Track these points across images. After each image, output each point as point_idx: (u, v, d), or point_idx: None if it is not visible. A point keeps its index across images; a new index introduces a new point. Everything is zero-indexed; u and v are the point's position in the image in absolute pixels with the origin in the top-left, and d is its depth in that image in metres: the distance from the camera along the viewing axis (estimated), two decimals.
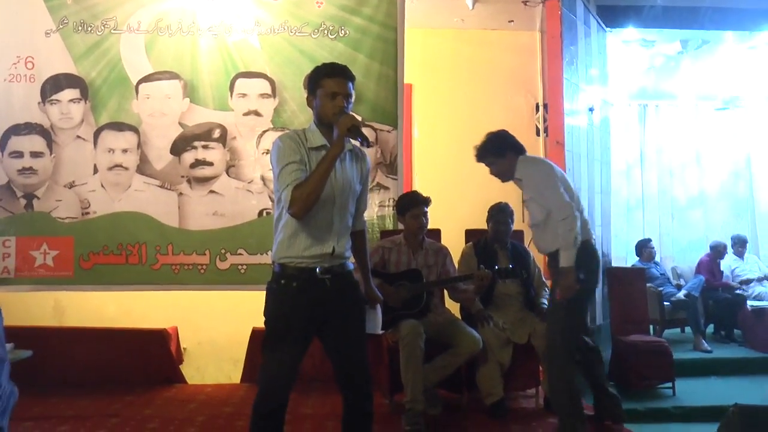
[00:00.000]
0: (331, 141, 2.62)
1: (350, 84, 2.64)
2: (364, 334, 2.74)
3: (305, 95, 4.84)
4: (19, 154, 4.87)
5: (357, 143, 2.66)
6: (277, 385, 2.60)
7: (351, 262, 2.77)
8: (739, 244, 7.77)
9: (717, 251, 7.59)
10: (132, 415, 4.20)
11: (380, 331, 3.02)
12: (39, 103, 4.90)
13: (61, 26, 4.89)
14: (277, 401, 2.59)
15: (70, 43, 4.89)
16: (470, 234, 4.85)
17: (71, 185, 4.89)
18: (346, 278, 2.70)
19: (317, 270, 2.61)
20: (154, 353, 5.06)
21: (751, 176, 8.69)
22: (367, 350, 2.73)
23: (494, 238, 4.49)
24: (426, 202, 4.13)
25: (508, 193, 5.50)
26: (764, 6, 6.25)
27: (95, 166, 4.90)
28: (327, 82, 2.62)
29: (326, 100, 2.61)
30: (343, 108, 2.58)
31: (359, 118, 4.22)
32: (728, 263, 7.73)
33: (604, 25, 6.22)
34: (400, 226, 4.49)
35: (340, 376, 2.71)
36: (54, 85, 4.91)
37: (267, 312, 2.65)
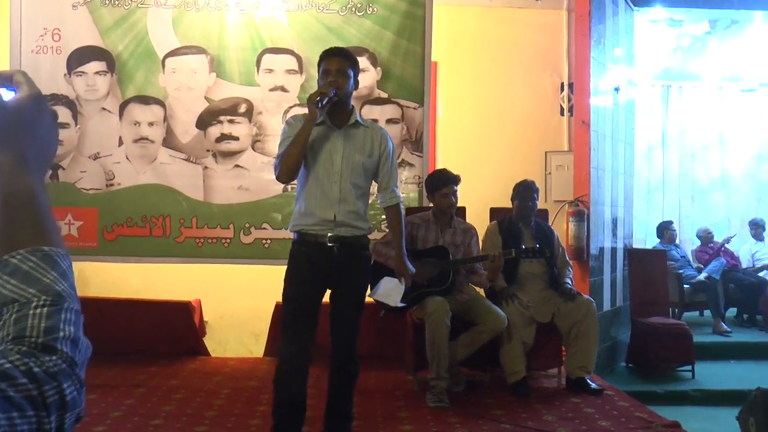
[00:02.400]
0: (330, 116, 2.94)
1: (346, 63, 2.94)
2: (359, 304, 3.02)
3: None
4: None
5: (360, 120, 3.03)
6: (292, 343, 2.87)
7: (365, 235, 3.01)
8: (757, 227, 7.73)
9: (702, 238, 7.59)
10: (158, 385, 4.26)
11: (400, 305, 3.26)
12: (65, 74, 4.90)
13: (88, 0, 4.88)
14: (295, 360, 2.86)
15: (97, 16, 4.88)
16: (494, 212, 4.85)
17: (96, 156, 4.91)
18: (355, 249, 2.96)
19: (326, 237, 2.88)
20: (178, 325, 5.11)
21: None
22: (359, 319, 3.01)
23: (519, 216, 4.48)
24: (456, 180, 4.12)
25: (533, 171, 5.52)
26: None
27: (120, 138, 4.91)
28: (324, 62, 2.96)
29: (322, 78, 2.94)
30: (330, 84, 2.84)
31: (386, 93, 4.18)
32: (748, 247, 7.70)
33: (631, 4, 6.14)
34: (427, 203, 4.50)
35: (331, 337, 3.01)
36: (80, 57, 4.90)
37: (285, 273, 2.98)
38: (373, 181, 3.12)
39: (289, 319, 2.92)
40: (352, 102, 4.78)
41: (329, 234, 2.89)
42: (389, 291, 3.22)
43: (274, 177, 3.00)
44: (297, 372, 2.87)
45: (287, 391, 2.89)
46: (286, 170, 2.90)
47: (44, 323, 0.66)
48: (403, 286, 3.20)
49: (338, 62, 2.92)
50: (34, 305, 0.66)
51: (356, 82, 3.02)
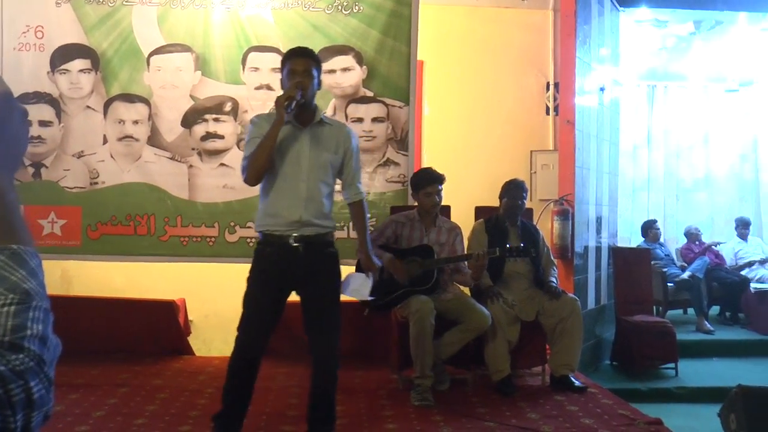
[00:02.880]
0: (295, 116, 2.96)
1: (311, 63, 2.98)
2: (334, 303, 3.03)
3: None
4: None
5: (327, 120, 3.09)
6: (246, 339, 2.95)
7: (329, 233, 3.05)
8: (742, 226, 7.80)
9: (690, 236, 7.65)
10: (142, 384, 4.24)
11: (369, 298, 3.28)
12: (48, 72, 4.87)
13: None
14: (248, 355, 2.95)
15: (81, 13, 4.84)
16: (480, 211, 4.86)
17: (80, 155, 4.88)
18: (320, 248, 3.00)
19: (291, 237, 2.91)
20: (162, 324, 5.09)
21: (757, 159, 8.70)
22: (337, 315, 3.02)
23: (507, 215, 4.49)
24: (440, 179, 4.14)
25: (518, 170, 5.54)
26: None
27: (105, 136, 4.88)
28: (289, 62, 2.98)
29: (288, 78, 2.96)
30: (298, 84, 2.88)
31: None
32: (732, 246, 7.77)
33: (617, 5, 6.17)
34: (411, 201, 4.51)
35: (309, 339, 3.01)
36: (64, 54, 4.87)
37: (249, 272, 3.02)
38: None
39: (248, 320, 2.96)
40: (338, 101, 4.86)
41: (294, 234, 2.93)
42: (358, 286, 3.23)
43: (243, 178, 3.01)
44: (250, 367, 2.98)
45: (239, 382, 2.99)
46: (254, 173, 2.93)
47: (11, 321, 0.65)
48: (371, 280, 3.24)
49: (304, 63, 2.97)
50: (0, 303, 0.66)
51: (319, 82, 3.06)
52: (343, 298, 3.17)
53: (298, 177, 2.95)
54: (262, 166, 2.90)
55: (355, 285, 3.24)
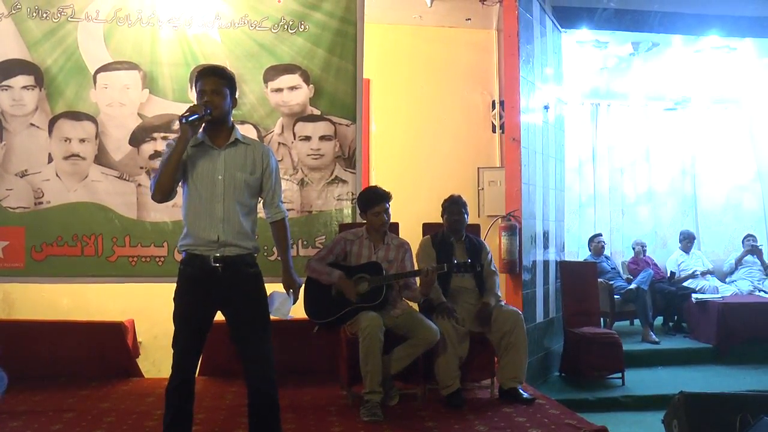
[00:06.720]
0: (210, 136, 2.99)
1: (221, 82, 2.98)
2: (261, 322, 3.01)
3: (264, 89, 4.91)
4: None
5: (243, 138, 3.07)
6: (178, 359, 2.94)
7: (250, 254, 3.03)
8: (687, 240, 8.05)
9: (635, 251, 7.88)
10: (88, 409, 4.15)
11: (288, 317, 3.26)
12: None
13: (13, 11, 4.78)
14: (180, 375, 2.94)
15: (23, 28, 4.78)
16: (427, 227, 4.93)
17: (23, 174, 4.80)
18: (239, 268, 2.98)
19: (211, 258, 2.91)
20: (110, 347, 5.00)
21: (696, 175, 9.02)
22: (268, 337, 3.00)
23: (450, 230, 4.56)
24: (387, 197, 4.20)
25: (466, 186, 5.64)
26: (709, 11, 6.52)
27: (50, 155, 4.81)
28: (199, 82, 2.98)
29: (198, 98, 2.97)
30: (205, 104, 2.90)
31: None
32: (675, 258, 8.02)
33: (559, 26, 6.36)
34: (360, 219, 4.54)
35: (242, 362, 3.00)
36: (5, 70, 4.79)
37: (174, 292, 3.03)
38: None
39: (177, 340, 2.97)
40: (285, 119, 4.89)
41: (214, 254, 2.94)
42: (279, 305, 3.22)
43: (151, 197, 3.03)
44: (183, 386, 2.96)
45: (175, 402, 2.96)
46: (159, 189, 2.94)
47: None
48: (292, 299, 3.25)
49: (213, 82, 2.96)
50: None
51: (234, 101, 3.07)
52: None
53: (213, 198, 2.95)
54: (166, 182, 2.91)
55: (277, 304, 3.22)
